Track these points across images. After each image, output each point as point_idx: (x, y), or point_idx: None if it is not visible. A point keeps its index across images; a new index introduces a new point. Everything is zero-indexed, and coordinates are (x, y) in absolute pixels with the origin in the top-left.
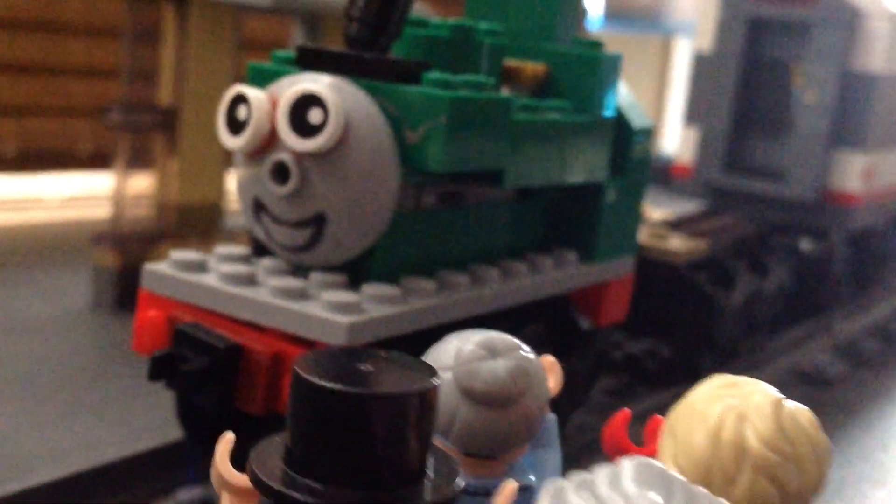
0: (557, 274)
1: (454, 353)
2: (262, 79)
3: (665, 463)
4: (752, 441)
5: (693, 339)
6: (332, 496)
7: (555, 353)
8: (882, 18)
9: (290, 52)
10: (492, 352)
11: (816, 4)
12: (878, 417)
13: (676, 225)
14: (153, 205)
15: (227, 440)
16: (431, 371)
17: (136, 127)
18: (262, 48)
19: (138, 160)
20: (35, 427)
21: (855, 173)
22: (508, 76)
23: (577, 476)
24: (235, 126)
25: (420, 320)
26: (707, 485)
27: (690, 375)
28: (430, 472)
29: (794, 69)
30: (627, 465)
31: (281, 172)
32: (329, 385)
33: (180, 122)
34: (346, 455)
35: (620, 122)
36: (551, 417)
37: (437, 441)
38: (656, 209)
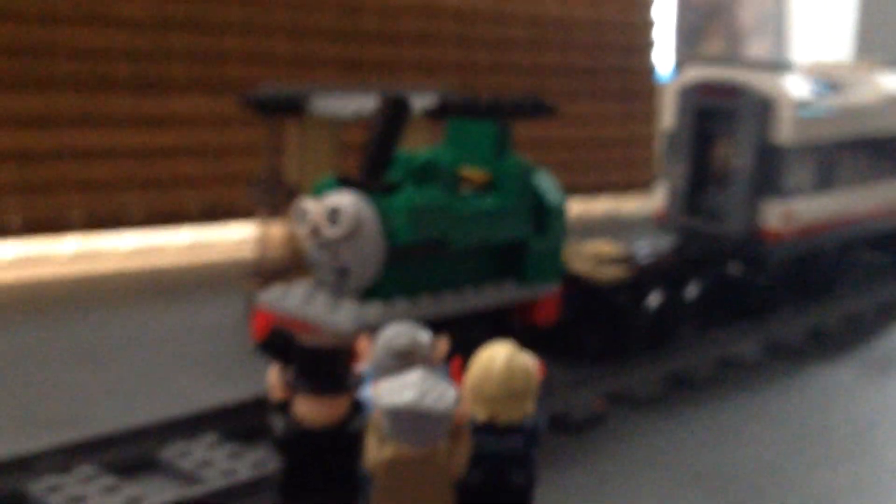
0: (498, 293)
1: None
2: (318, 191)
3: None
4: (495, 367)
5: (615, 333)
6: None
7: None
8: (787, 106)
9: (334, 178)
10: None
11: (740, 97)
12: (789, 397)
13: (616, 259)
14: (285, 247)
15: (271, 370)
16: None
17: (271, 202)
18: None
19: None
20: (206, 388)
21: (776, 215)
22: (464, 180)
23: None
24: (301, 220)
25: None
26: (476, 389)
27: (617, 357)
28: None
29: (719, 143)
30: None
31: (323, 245)
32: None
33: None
34: None
35: (539, 200)
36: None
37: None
38: (608, 245)
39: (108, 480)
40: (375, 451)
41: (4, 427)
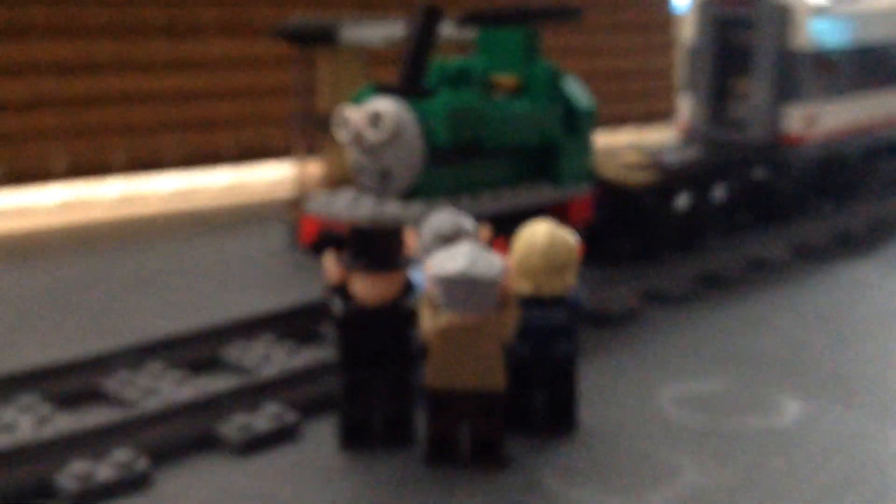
0: (532, 195)
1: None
2: (358, 100)
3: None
4: (538, 241)
5: (646, 236)
6: None
7: None
8: (804, 12)
9: (374, 85)
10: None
11: (759, 6)
12: (815, 291)
13: (645, 165)
14: (323, 178)
15: (328, 256)
16: None
17: (307, 128)
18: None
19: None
20: (257, 300)
21: (796, 120)
22: (496, 86)
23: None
24: (343, 128)
25: None
26: (520, 263)
27: (647, 257)
28: None
29: (740, 53)
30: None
31: (366, 150)
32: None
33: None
34: None
35: (569, 104)
36: None
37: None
38: (636, 154)
39: (177, 374)
40: (430, 322)
41: (76, 338)
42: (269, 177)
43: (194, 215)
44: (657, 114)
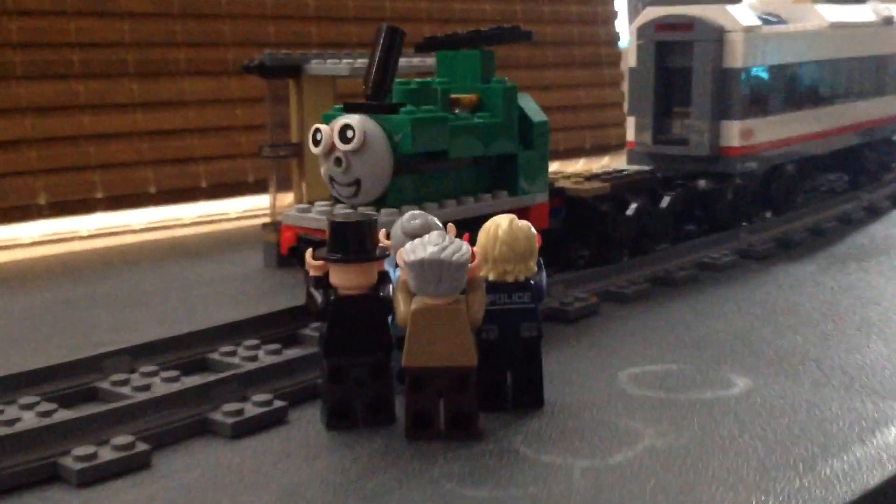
0: (492, 202)
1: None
2: (328, 118)
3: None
4: (500, 231)
5: (601, 242)
6: None
7: None
8: (738, 31)
9: (341, 105)
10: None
11: (695, 29)
12: (759, 288)
13: (595, 176)
14: (295, 202)
15: (308, 252)
16: None
17: (280, 157)
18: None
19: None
20: (240, 313)
21: (735, 134)
22: (455, 103)
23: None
24: (316, 142)
25: None
26: (485, 252)
27: (603, 262)
28: None
29: (679, 73)
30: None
31: (337, 161)
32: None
33: (304, 150)
34: None
35: (525, 118)
36: None
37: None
38: (586, 168)
39: (169, 374)
40: (405, 307)
41: (68, 352)
42: (244, 206)
43: (173, 243)
44: (608, 145)
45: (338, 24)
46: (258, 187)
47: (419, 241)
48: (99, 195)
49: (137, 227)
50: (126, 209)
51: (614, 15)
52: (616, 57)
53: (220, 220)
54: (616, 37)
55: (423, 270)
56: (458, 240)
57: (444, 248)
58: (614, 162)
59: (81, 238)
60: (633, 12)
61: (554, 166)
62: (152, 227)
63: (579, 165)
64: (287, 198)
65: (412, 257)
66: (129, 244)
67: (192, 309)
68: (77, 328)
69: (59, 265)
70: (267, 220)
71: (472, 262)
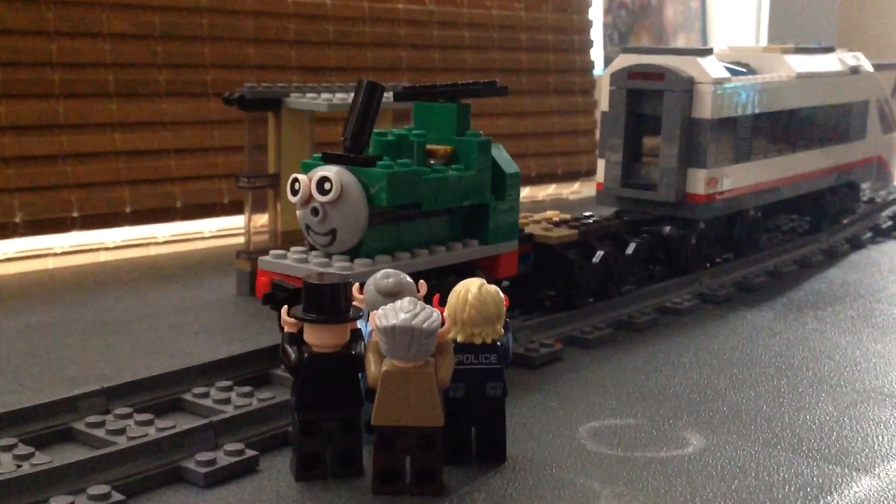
0: (464, 251)
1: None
2: (306, 168)
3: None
4: (469, 296)
5: (567, 287)
6: None
7: None
8: (707, 83)
9: (320, 155)
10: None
11: (666, 79)
12: (716, 336)
13: (564, 221)
14: (269, 231)
15: (283, 309)
16: None
17: (256, 188)
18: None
19: (259, 206)
20: (213, 348)
21: (701, 181)
22: (431, 154)
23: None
24: (294, 192)
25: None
26: (452, 314)
27: (569, 307)
28: None
29: (649, 121)
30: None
31: (314, 211)
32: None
33: (280, 181)
34: None
35: (497, 169)
36: None
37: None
38: (555, 213)
39: (143, 417)
40: (375, 367)
41: (39, 387)
42: (218, 227)
43: (147, 262)
44: (579, 171)
45: (317, 48)
46: (233, 208)
47: (391, 308)
48: (75, 214)
49: (111, 245)
50: (101, 228)
51: (590, 44)
52: (590, 85)
53: (194, 239)
54: (591, 65)
55: (395, 336)
56: (428, 306)
57: (416, 315)
58: (584, 187)
59: (55, 255)
60: (608, 41)
61: (525, 191)
62: (127, 244)
63: (551, 193)
64: (262, 218)
65: (384, 322)
66: (103, 263)
67: (164, 340)
68: (51, 358)
69: (33, 285)
70: (241, 248)
71: (442, 326)
